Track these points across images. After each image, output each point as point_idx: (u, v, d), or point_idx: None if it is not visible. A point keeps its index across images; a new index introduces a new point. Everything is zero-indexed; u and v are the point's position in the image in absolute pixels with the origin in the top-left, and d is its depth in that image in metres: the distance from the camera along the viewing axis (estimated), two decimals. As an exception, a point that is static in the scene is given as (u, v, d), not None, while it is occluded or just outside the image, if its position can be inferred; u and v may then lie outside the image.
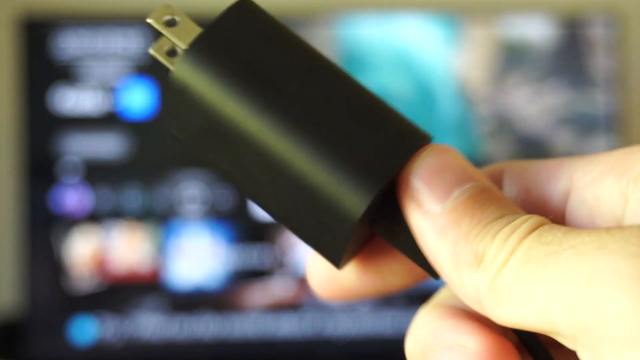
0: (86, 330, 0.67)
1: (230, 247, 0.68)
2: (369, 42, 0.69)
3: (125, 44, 0.67)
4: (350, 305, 0.69)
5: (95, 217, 0.67)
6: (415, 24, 0.70)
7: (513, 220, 0.16)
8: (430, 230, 0.17)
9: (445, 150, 0.18)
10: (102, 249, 0.67)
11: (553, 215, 0.18)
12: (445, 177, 0.17)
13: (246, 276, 0.68)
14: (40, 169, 0.67)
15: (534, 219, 0.16)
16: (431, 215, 0.17)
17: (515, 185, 0.19)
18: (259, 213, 0.68)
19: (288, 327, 0.68)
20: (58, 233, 0.67)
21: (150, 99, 0.67)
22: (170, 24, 0.17)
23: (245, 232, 0.68)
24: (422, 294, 0.69)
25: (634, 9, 0.75)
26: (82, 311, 0.67)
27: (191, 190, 0.68)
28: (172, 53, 0.17)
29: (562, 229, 0.16)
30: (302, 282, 0.68)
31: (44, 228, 0.66)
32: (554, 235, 0.16)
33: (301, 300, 0.68)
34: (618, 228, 0.15)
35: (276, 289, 0.68)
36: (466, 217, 0.17)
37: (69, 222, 0.67)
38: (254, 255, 0.68)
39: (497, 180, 0.19)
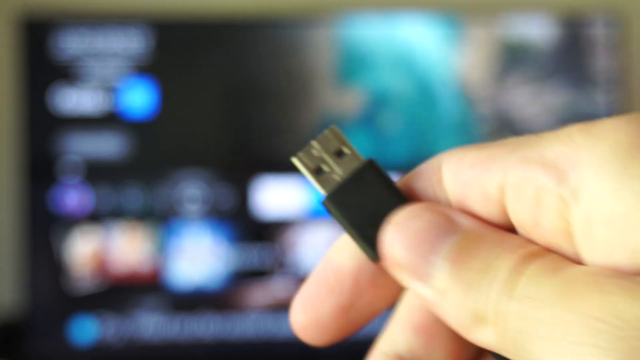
0: (86, 330, 0.67)
1: (230, 247, 0.68)
2: (370, 42, 0.69)
3: (126, 44, 0.67)
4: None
5: (95, 217, 0.67)
6: (415, 24, 0.70)
7: (497, 274, 0.16)
8: (430, 299, 0.17)
9: (414, 214, 0.18)
10: (102, 249, 0.67)
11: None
12: (421, 244, 0.17)
13: (246, 276, 0.68)
14: (40, 169, 0.67)
15: (516, 270, 0.16)
16: (425, 284, 0.17)
17: (453, 179, 0.19)
18: (260, 213, 0.68)
19: (288, 327, 0.68)
20: (58, 233, 0.67)
21: (151, 99, 0.67)
22: (339, 154, 0.20)
23: (246, 232, 0.68)
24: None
25: (635, 9, 0.75)
26: (82, 311, 0.67)
27: (191, 190, 0.68)
28: (319, 171, 0.20)
29: (536, 281, 0.16)
30: (302, 282, 0.68)
31: (44, 228, 0.66)
32: (529, 298, 0.16)
33: (301, 300, 0.68)
34: (578, 298, 0.15)
35: (276, 289, 0.68)
36: (458, 281, 0.17)
37: (69, 222, 0.67)
38: (254, 255, 0.68)
39: (437, 175, 0.19)
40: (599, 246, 0.16)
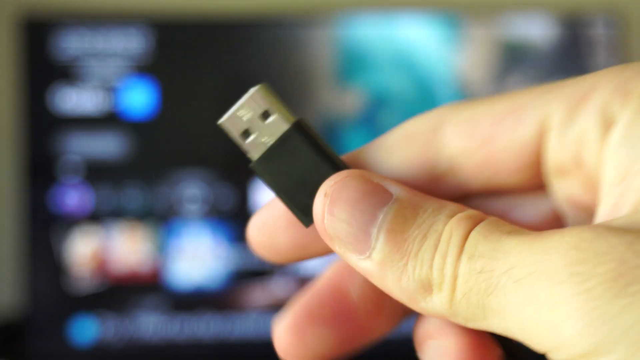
0: (86, 330, 0.67)
1: (230, 247, 0.68)
2: (370, 41, 0.69)
3: (126, 44, 0.67)
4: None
5: (95, 217, 0.67)
6: (415, 24, 0.70)
7: (440, 238, 0.16)
8: (371, 272, 0.17)
9: (345, 184, 0.17)
10: (102, 249, 0.67)
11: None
12: (356, 216, 0.17)
13: (247, 276, 0.68)
14: (40, 169, 0.67)
15: (459, 231, 0.16)
16: (364, 258, 0.17)
17: (467, 140, 0.18)
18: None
19: (288, 327, 0.68)
20: (58, 233, 0.67)
21: (150, 99, 0.67)
22: (265, 116, 0.19)
23: (246, 232, 0.68)
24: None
25: (635, 9, 0.75)
26: (82, 311, 0.67)
27: (191, 190, 0.68)
28: (246, 134, 0.19)
29: (490, 239, 0.15)
30: (303, 282, 0.68)
31: (44, 228, 0.66)
32: (482, 254, 0.15)
33: (301, 300, 0.68)
34: (546, 243, 0.14)
35: (277, 289, 0.68)
36: (396, 252, 0.16)
37: (69, 222, 0.67)
38: (254, 255, 0.68)
39: (435, 135, 0.18)
40: (632, 191, 0.15)
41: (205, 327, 0.68)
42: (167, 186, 0.68)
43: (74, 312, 0.67)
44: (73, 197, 0.67)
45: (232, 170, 0.68)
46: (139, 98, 0.67)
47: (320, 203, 0.17)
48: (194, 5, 0.74)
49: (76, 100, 0.67)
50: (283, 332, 0.20)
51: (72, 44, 0.67)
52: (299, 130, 0.18)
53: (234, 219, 0.68)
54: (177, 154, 0.68)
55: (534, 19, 0.71)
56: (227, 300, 0.68)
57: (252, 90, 0.19)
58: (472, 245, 0.15)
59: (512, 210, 0.19)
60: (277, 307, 0.68)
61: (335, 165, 0.18)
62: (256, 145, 0.19)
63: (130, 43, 0.67)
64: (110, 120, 0.67)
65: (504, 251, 0.15)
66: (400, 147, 0.18)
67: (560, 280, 0.14)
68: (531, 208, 0.19)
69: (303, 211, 0.18)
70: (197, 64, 0.68)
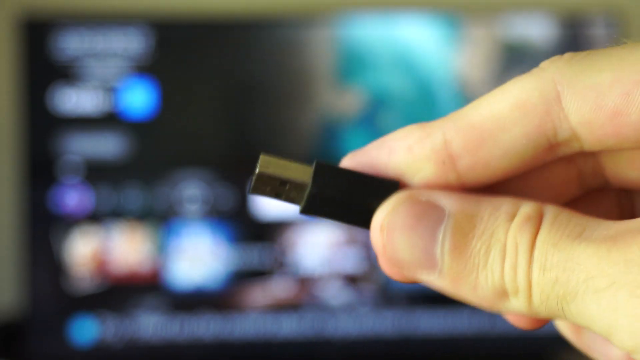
0: (86, 330, 0.67)
1: (230, 247, 0.68)
2: (370, 42, 0.69)
3: (126, 44, 0.67)
4: (350, 305, 0.69)
5: (95, 217, 0.67)
6: (415, 24, 0.70)
7: (505, 248, 0.16)
8: (445, 287, 0.17)
9: (396, 212, 0.17)
10: (102, 249, 0.67)
11: None
12: (417, 243, 0.17)
13: (246, 276, 0.68)
14: (40, 169, 0.67)
15: (525, 239, 0.16)
16: (437, 280, 0.17)
17: (592, 113, 0.17)
18: (260, 213, 0.68)
19: (288, 327, 0.68)
20: (58, 233, 0.67)
21: (150, 99, 0.67)
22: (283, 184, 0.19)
23: (246, 232, 0.68)
24: (423, 294, 0.69)
25: (634, 9, 0.75)
26: (82, 311, 0.67)
27: (191, 190, 0.68)
28: (280, 191, 0.19)
29: (561, 246, 0.16)
30: (302, 282, 0.68)
31: (44, 228, 0.66)
32: (555, 265, 0.16)
33: (301, 300, 0.68)
34: (625, 254, 0.15)
35: (276, 289, 0.68)
36: (464, 268, 0.17)
37: (69, 222, 0.67)
38: (254, 255, 0.68)
39: (554, 106, 0.17)
40: None
41: (205, 327, 0.68)
42: (167, 186, 0.68)
43: (74, 312, 0.67)
44: (73, 197, 0.67)
45: (232, 170, 0.68)
46: (139, 98, 0.67)
47: (378, 238, 0.18)
48: (193, 6, 0.74)
49: (76, 100, 0.67)
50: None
51: (71, 44, 0.67)
52: (324, 166, 0.19)
53: (234, 219, 0.68)
54: (177, 154, 0.68)
55: (534, 19, 0.71)
56: (226, 300, 0.68)
57: (260, 159, 0.19)
58: (542, 255, 0.16)
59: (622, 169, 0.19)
60: (276, 307, 0.68)
61: (375, 177, 0.19)
62: (296, 191, 0.19)
63: (130, 43, 0.67)
64: (110, 120, 0.67)
65: (579, 262, 0.15)
66: (515, 121, 0.17)
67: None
68: None
69: (365, 223, 0.19)
70: (197, 64, 0.68)
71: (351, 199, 0.18)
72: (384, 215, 0.18)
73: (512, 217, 0.16)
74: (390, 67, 0.69)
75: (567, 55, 0.17)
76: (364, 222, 0.18)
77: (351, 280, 0.69)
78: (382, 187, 0.18)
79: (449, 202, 0.17)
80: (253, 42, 0.68)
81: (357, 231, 0.68)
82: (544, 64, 0.17)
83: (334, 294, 0.68)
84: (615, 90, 0.16)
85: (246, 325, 0.68)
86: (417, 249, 0.17)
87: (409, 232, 0.17)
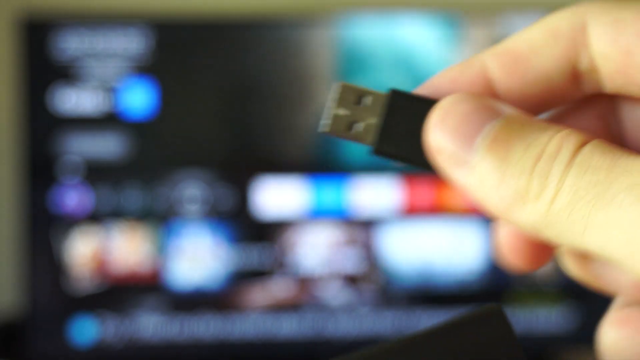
0: (86, 330, 0.67)
1: (230, 247, 0.68)
2: (369, 42, 0.69)
3: (125, 44, 0.67)
4: (350, 305, 0.69)
5: (95, 217, 0.67)
6: (415, 24, 0.70)
7: (546, 148, 0.16)
8: (471, 184, 0.17)
9: (459, 99, 0.18)
10: (102, 249, 0.67)
11: None
12: (464, 127, 0.17)
13: (246, 276, 0.68)
14: (40, 169, 0.67)
15: (569, 144, 0.16)
16: (466, 169, 0.17)
17: (609, 46, 0.17)
18: (260, 213, 0.68)
19: (288, 327, 0.68)
20: (58, 233, 0.67)
21: (150, 99, 0.67)
22: (359, 102, 0.19)
23: (246, 232, 0.68)
24: (422, 295, 0.69)
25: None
26: (82, 311, 0.67)
27: (191, 190, 0.68)
28: (351, 127, 0.19)
29: (607, 156, 0.15)
30: (302, 282, 0.68)
31: (44, 228, 0.66)
32: (599, 167, 0.15)
33: (301, 300, 0.68)
34: None
35: (276, 289, 0.68)
36: (497, 160, 0.17)
37: (69, 222, 0.67)
38: (254, 255, 0.68)
39: (580, 34, 0.18)
40: None
41: (205, 327, 0.68)
42: (167, 186, 0.68)
43: (74, 313, 0.67)
44: (73, 197, 0.67)
45: (232, 170, 0.68)
46: (139, 98, 0.67)
47: (432, 117, 0.18)
48: (193, 6, 0.74)
49: (76, 100, 0.67)
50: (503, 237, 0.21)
51: (71, 44, 0.67)
52: (400, 95, 0.19)
53: (233, 219, 0.68)
54: (177, 154, 0.68)
55: (534, 19, 0.71)
56: (226, 300, 0.68)
57: (335, 87, 0.19)
58: (587, 157, 0.16)
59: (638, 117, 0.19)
60: (276, 307, 0.68)
61: None
62: (366, 130, 0.19)
63: (130, 43, 0.67)
64: (110, 120, 0.67)
65: (628, 168, 0.15)
66: (546, 44, 0.18)
67: None
68: None
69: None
70: (197, 64, 0.68)
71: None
72: (449, 99, 0.18)
73: (560, 131, 0.17)
74: (390, 67, 0.69)
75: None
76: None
77: (351, 280, 0.69)
78: None
79: (508, 109, 0.17)
80: (254, 43, 0.68)
81: (357, 232, 0.68)
82: (581, 3, 0.18)
83: (334, 294, 0.68)
84: (631, 28, 0.17)
85: (246, 325, 0.68)
86: (461, 134, 0.17)
87: (463, 117, 0.17)
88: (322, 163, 0.68)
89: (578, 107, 0.20)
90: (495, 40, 0.70)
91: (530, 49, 0.18)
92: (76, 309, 0.67)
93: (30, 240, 0.66)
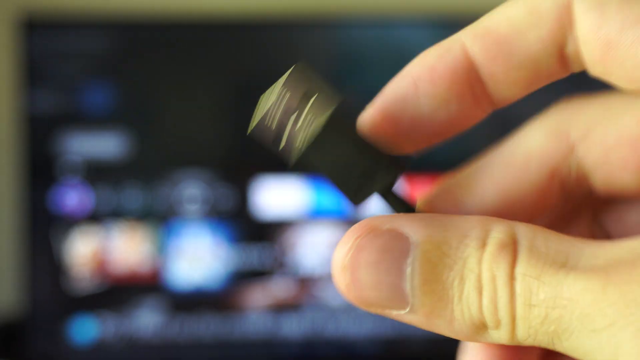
0: (86, 330, 0.67)
1: (230, 247, 0.68)
2: (368, 44, 0.69)
3: (127, 43, 0.67)
4: (350, 305, 0.69)
5: (95, 217, 0.67)
6: (413, 27, 0.70)
7: (480, 280, 0.15)
8: (419, 322, 0.16)
9: (357, 249, 0.16)
10: (102, 249, 0.67)
11: None
12: (383, 280, 0.16)
13: (246, 276, 0.68)
14: (40, 169, 0.67)
15: (501, 269, 0.15)
16: (409, 316, 0.16)
17: (591, 32, 0.16)
18: (260, 213, 0.68)
19: (288, 327, 0.68)
20: (58, 233, 0.67)
21: (150, 99, 0.67)
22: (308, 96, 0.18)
23: (246, 232, 0.68)
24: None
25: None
26: (82, 311, 0.67)
27: (191, 190, 0.68)
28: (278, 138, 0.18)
29: (546, 284, 0.15)
30: (302, 282, 0.68)
31: (44, 228, 0.66)
32: (546, 303, 0.15)
33: (301, 300, 0.68)
34: (623, 293, 0.14)
35: (276, 289, 0.68)
36: (438, 302, 0.16)
37: (69, 222, 0.67)
38: (254, 255, 0.68)
39: (564, 13, 0.16)
40: None
41: (205, 327, 0.68)
42: (167, 186, 0.68)
43: (74, 312, 0.67)
44: (73, 197, 0.67)
45: (232, 170, 0.68)
46: (139, 98, 0.67)
47: (341, 278, 0.16)
48: (193, 6, 0.74)
49: (76, 100, 0.67)
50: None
51: (71, 44, 0.67)
52: (336, 122, 0.17)
53: (233, 219, 0.68)
54: (177, 154, 0.68)
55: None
56: (226, 300, 0.68)
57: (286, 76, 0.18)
58: (526, 289, 0.15)
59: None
60: (276, 307, 0.68)
61: (383, 159, 0.17)
62: (295, 137, 0.18)
63: (133, 43, 0.67)
64: (110, 120, 0.67)
65: (570, 297, 0.14)
66: (530, 25, 0.17)
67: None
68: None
69: (355, 192, 0.17)
70: (197, 64, 0.68)
71: (353, 168, 0.17)
72: (345, 252, 0.16)
73: (483, 243, 0.15)
74: (388, 70, 0.69)
75: None
76: (354, 195, 0.17)
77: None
78: (388, 163, 0.17)
79: (412, 229, 0.16)
80: (253, 43, 0.68)
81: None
82: None
83: (334, 294, 0.68)
84: (614, 18, 0.16)
85: (246, 325, 0.68)
86: (384, 287, 0.16)
87: (374, 269, 0.16)
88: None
89: (563, 219, 0.19)
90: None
91: (514, 30, 0.17)
92: (76, 309, 0.67)
93: (30, 240, 0.66)
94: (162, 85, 0.68)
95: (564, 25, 0.17)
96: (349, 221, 0.68)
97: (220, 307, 0.68)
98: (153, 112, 0.68)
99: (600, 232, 0.19)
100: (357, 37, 0.69)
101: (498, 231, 0.16)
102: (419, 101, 0.17)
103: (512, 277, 0.15)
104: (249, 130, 0.18)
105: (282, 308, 0.68)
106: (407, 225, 0.16)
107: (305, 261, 0.68)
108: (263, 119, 0.18)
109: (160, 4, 0.73)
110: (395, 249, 0.16)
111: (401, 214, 0.17)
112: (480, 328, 0.15)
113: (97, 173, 0.67)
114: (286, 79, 0.18)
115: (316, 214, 0.68)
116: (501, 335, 0.15)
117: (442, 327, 0.16)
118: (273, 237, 0.68)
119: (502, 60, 0.17)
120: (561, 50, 0.17)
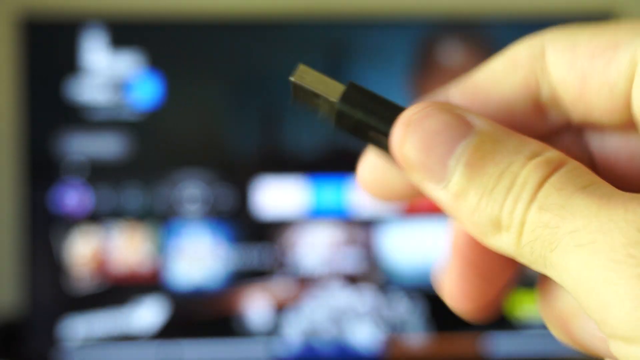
0: (85, 330, 0.67)
1: (230, 247, 0.68)
2: (366, 44, 0.69)
3: (126, 43, 0.67)
4: (349, 306, 0.69)
5: (95, 217, 0.67)
6: (409, 28, 0.70)
7: (516, 179, 0.16)
8: (446, 202, 0.17)
9: (426, 113, 0.17)
10: (102, 249, 0.67)
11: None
12: (436, 146, 0.17)
13: (246, 276, 0.68)
14: (40, 169, 0.67)
15: (536, 177, 0.16)
16: (441, 187, 0.17)
17: (566, 71, 0.17)
18: (260, 213, 0.68)
19: (288, 327, 0.68)
20: (58, 233, 0.67)
21: (151, 100, 0.67)
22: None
23: (245, 232, 0.68)
24: (422, 294, 0.69)
25: (633, 11, 0.75)
26: (82, 311, 0.67)
27: (191, 190, 0.68)
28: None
29: (563, 192, 0.15)
30: (302, 282, 0.68)
31: (44, 228, 0.66)
32: (552, 206, 0.15)
33: (301, 300, 0.68)
34: (612, 214, 0.15)
35: (276, 289, 0.68)
36: (471, 186, 0.16)
37: (69, 222, 0.67)
38: (254, 255, 0.68)
39: (538, 61, 0.17)
40: None
41: (205, 327, 0.68)
42: (167, 186, 0.68)
43: (74, 312, 0.67)
44: (73, 197, 0.67)
45: (232, 170, 0.68)
46: (139, 98, 0.67)
47: (400, 131, 0.17)
48: (194, 6, 0.74)
49: (77, 100, 0.67)
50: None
51: (71, 44, 0.67)
52: (357, 89, 0.18)
53: (233, 219, 0.68)
54: (177, 154, 0.68)
55: (517, 27, 0.71)
56: (227, 300, 0.68)
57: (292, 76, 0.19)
58: (545, 195, 0.15)
59: (605, 147, 0.19)
60: (276, 307, 0.68)
61: (399, 107, 0.18)
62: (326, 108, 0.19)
63: (133, 41, 0.67)
64: (110, 120, 0.67)
65: (572, 211, 0.15)
66: (505, 73, 0.18)
67: (616, 258, 0.14)
68: (625, 146, 0.19)
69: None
70: (197, 65, 0.68)
71: (377, 122, 0.18)
72: (416, 111, 0.17)
73: (535, 156, 0.16)
74: (386, 70, 0.69)
75: (566, 26, 0.18)
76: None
77: (351, 280, 0.69)
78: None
79: (481, 122, 0.17)
80: (253, 43, 0.68)
81: (357, 232, 0.69)
82: (543, 31, 0.18)
83: (334, 294, 0.69)
84: (585, 50, 0.17)
85: (246, 325, 0.68)
86: (433, 155, 0.17)
87: (432, 135, 0.17)
88: (322, 163, 0.68)
89: (544, 142, 0.19)
90: (479, 47, 0.70)
91: (490, 78, 0.18)
92: (76, 309, 0.67)
93: (30, 240, 0.66)
94: (162, 85, 0.68)
95: (536, 70, 0.17)
96: (349, 221, 0.68)
97: (220, 307, 0.68)
98: (153, 112, 0.68)
99: (584, 152, 0.20)
100: (354, 37, 0.69)
101: (552, 151, 0.16)
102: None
103: (541, 185, 0.16)
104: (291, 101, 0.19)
105: (282, 308, 0.68)
106: (477, 118, 0.17)
107: (305, 261, 0.68)
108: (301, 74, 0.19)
109: (160, 4, 0.73)
110: (457, 129, 0.17)
111: (475, 111, 0.18)
112: (495, 226, 0.16)
113: (97, 173, 0.67)
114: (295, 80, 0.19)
115: (316, 214, 0.69)
116: (509, 240, 0.16)
117: (464, 213, 0.17)
118: (273, 237, 0.68)
119: (479, 106, 0.18)
120: (535, 97, 0.18)
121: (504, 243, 0.16)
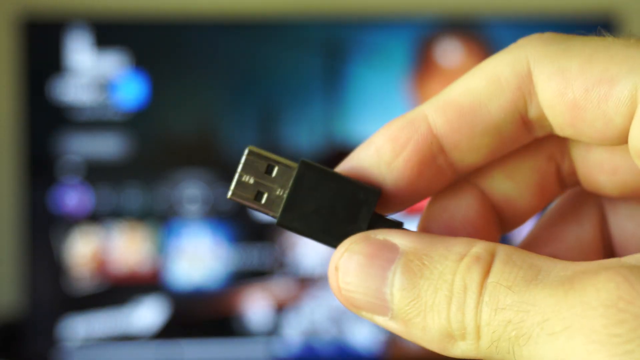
0: (86, 330, 0.67)
1: (230, 247, 0.68)
2: (365, 45, 0.69)
3: (124, 42, 0.67)
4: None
5: (95, 217, 0.67)
6: (408, 28, 0.70)
7: (453, 288, 0.16)
8: (399, 334, 0.17)
9: (348, 256, 0.17)
10: (102, 249, 0.67)
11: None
12: (368, 282, 0.17)
13: (246, 276, 0.68)
14: (40, 169, 0.67)
15: (473, 280, 0.16)
16: (389, 322, 0.17)
17: (557, 99, 0.17)
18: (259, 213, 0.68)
19: (288, 327, 0.68)
20: (58, 233, 0.67)
21: (151, 100, 0.67)
22: (270, 171, 0.19)
23: (246, 232, 0.68)
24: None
25: (633, 11, 0.75)
26: (82, 311, 0.67)
27: (191, 190, 0.68)
28: (259, 197, 0.19)
29: (515, 292, 0.15)
30: (302, 282, 0.68)
31: (44, 228, 0.66)
32: (507, 306, 0.15)
33: (301, 300, 0.68)
34: (582, 297, 0.14)
35: (276, 289, 0.68)
36: (412, 309, 0.16)
37: (69, 222, 0.67)
38: (254, 255, 0.68)
39: (525, 82, 0.17)
40: None
41: (205, 327, 0.68)
42: (167, 186, 0.68)
43: (74, 312, 0.67)
44: (73, 197, 0.67)
45: (232, 170, 0.68)
46: (139, 99, 0.67)
47: (333, 278, 0.17)
48: (194, 6, 0.74)
49: (76, 100, 0.67)
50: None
51: (71, 44, 0.67)
52: (309, 167, 0.19)
53: (233, 219, 0.68)
54: (177, 154, 0.68)
55: (513, 27, 0.71)
56: (227, 300, 0.68)
57: (244, 154, 0.19)
58: (494, 297, 0.15)
59: (590, 159, 0.19)
60: (276, 307, 0.68)
61: (353, 182, 0.18)
62: (273, 201, 0.19)
63: (129, 41, 0.67)
64: (110, 120, 0.67)
65: (534, 303, 0.15)
66: (491, 95, 0.17)
67: (598, 340, 0.14)
68: (609, 159, 0.18)
69: (341, 239, 0.18)
70: (197, 65, 0.68)
71: (333, 207, 0.18)
72: (339, 255, 0.17)
73: (462, 257, 0.16)
74: (384, 70, 0.69)
75: (547, 34, 0.17)
76: (343, 237, 0.18)
77: (351, 280, 0.69)
78: (363, 195, 0.18)
79: (403, 241, 0.17)
80: (252, 43, 0.68)
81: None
82: (521, 41, 0.17)
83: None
84: (578, 82, 0.16)
85: (246, 325, 0.68)
86: (369, 291, 0.17)
87: (362, 272, 0.17)
88: (321, 163, 0.68)
89: (528, 149, 0.19)
90: (477, 46, 0.70)
91: (475, 101, 0.18)
92: (76, 309, 0.67)
93: (30, 240, 0.66)
94: (162, 84, 0.68)
95: (524, 93, 0.17)
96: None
97: (220, 307, 0.68)
98: (153, 112, 0.68)
99: (568, 158, 0.20)
100: (353, 37, 0.69)
101: (479, 247, 0.16)
102: (381, 170, 0.18)
103: (482, 286, 0.16)
104: (228, 196, 0.19)
105: (282, 308, 0.68)
106: (398, 237, 0.17)
107: (305, 261, 0.68)
108: (238, 187, 0.19)
109: (161, 5, 0.73)
110: (383, 257, 0.17)
111: (398, 229, 0.18)
112: (448, 337, 0.16)
113: (97, 173, 0.67)
114: (246, 158, 0.19)
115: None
116: (468, 346, 0.16)
117: (417, 336, 0.17)
118: (273, 237, 0.68)
119: (466, 130, 0.18)
120: (523, 117, 0.18)
121: (465, 350, 0.16)
